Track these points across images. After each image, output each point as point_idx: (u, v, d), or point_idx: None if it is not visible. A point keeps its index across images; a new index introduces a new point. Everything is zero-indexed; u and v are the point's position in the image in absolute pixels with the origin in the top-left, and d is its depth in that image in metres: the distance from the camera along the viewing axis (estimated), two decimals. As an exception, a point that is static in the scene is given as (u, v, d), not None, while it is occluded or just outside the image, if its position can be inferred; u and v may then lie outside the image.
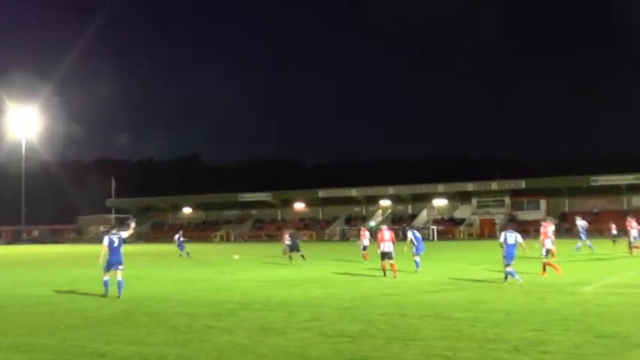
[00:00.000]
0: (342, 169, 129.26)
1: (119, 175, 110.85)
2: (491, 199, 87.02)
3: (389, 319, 14.04)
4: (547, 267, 23.52)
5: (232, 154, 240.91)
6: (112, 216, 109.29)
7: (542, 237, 25.48)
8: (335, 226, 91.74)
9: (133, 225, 21.34)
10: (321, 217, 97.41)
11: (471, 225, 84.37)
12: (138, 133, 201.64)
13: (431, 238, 72.77)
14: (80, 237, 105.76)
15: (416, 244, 26.60)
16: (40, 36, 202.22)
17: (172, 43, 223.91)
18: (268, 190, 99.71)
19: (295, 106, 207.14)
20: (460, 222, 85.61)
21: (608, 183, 79.46)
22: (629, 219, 36.00)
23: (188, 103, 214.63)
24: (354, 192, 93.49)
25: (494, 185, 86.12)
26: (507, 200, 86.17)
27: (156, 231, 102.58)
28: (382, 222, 72.21)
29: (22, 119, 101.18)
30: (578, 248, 37.40)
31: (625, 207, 77.83)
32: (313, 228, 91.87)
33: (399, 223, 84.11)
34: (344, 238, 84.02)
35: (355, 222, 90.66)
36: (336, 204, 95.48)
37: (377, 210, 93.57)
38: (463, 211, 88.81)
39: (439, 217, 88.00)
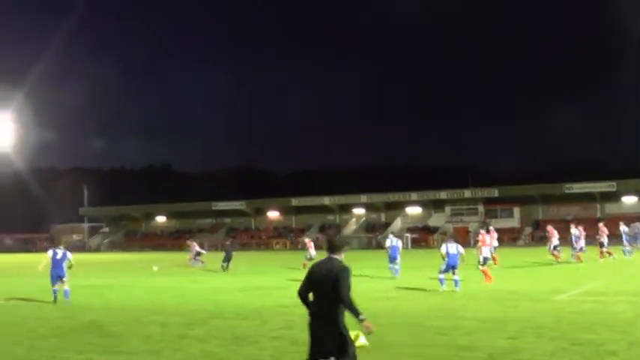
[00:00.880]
0: (314, 176, 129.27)
1: (91, 183, 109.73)
2: (465, 207, 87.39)
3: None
4: (488, 273, 24.08)
5: (203, 162, 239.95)
6: (85, 225, 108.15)
7: (479, 245, 26.18)
8: (309, 234, 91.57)
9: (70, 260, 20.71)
10: (294, 225, 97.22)
11: (444, 233, 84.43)
12: (109, 140, 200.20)
13: (405, 247, 72.83)
14: (52, 245, 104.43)
15: (390, 252, 27.39)
16: (10, 41, 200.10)
17: (142, 48, 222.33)
18: (241, 198, 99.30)
19: (269, 114, 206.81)
20: (434, 230, 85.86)
21: (582, 191, 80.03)
22: (600, 225, 36.72)
23: (159, 110, 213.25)
24: (326, 200, 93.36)
25: (467, 193, 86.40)
26: (481, 208, 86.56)
27: (129, 239, 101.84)
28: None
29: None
30: (628, 252, 38.36)
31: (598, 214, 78.48)
32: (287, 236, 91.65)
33: (373, 231, 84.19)
34: (317, 247, 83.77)
35: (327, 230, 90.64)
36: (310, 212, 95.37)
37: (350, 218, 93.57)
38: (437, 219, 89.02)
39: (413, 225, 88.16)
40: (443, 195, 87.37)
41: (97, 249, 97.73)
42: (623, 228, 39.77)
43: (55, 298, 20.14)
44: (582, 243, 35.88)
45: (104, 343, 12.69)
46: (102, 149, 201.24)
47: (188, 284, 27.43)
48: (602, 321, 14.07)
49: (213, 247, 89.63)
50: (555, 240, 35.24)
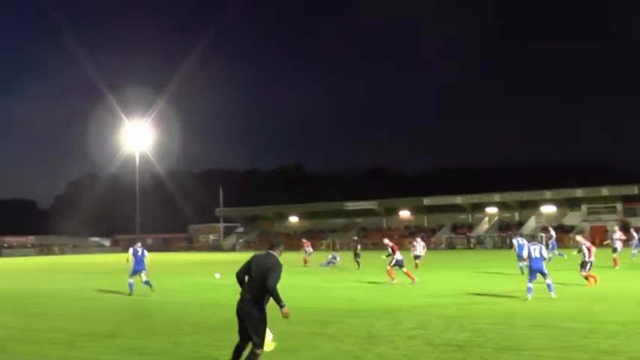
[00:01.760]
0: (446, 175, 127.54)
1: (226, 184, 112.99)
2: (602, 205, 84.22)
3: (497, 328, 13.82)
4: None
5: (334, 163, 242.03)
6: (221, 225, 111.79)
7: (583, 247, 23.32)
8: (441, 234, 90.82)
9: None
10: (426, 224, 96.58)
11: (581, 232, 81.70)
12: (240, 143, 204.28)
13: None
14: (190, 246, 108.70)
15: (517, 251, 27.71)
16: (155, 49, 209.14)
17: (279, 50, 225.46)
18: (372, 198, 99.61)
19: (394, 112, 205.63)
20: (570, 229, 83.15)
21: None
22: None
23: (292, 112, 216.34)
24: (459, 199, 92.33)
25: (604, 191, 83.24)
26: (619, 207, 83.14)
27: (263, 239, 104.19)
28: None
29: (135, 132, 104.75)
30: None
31: None
32: (419, 236, 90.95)
33: (506, 230, 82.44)
34: (450, 246, 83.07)
35: (461, 230, 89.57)
36: (442, 211, 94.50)
37: (483, 217, 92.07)
38: (572, 218, 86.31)
39: (548, 224, 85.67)
40: (578, 193, 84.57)
41: (232, 248, 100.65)
42: None
43: (131, 291, 22.87)
44: None
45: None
46: (234, 152, 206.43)
47: (321, 283, 27.85)
48: None
49: (345, 246, 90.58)
50: None
